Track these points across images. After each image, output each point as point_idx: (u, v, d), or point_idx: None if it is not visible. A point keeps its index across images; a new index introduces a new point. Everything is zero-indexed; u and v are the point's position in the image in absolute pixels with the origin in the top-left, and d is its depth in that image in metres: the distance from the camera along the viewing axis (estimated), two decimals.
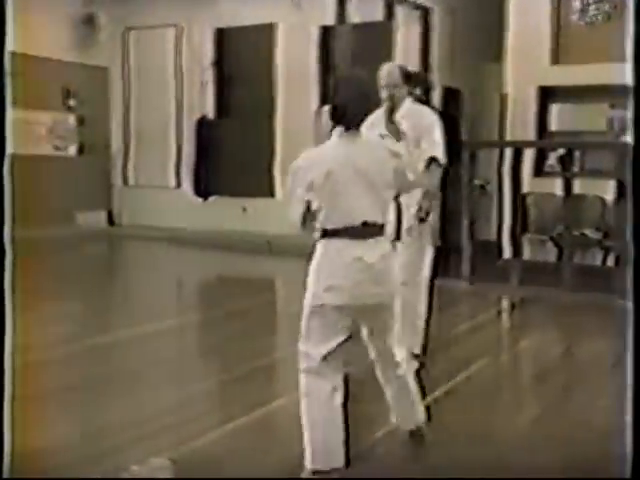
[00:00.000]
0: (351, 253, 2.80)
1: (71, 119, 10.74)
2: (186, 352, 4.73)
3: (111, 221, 11.19)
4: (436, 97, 8.08)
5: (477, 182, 7.67)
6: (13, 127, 9.45)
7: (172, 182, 10.81)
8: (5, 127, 2.36)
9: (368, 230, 2.82)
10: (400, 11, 8.65)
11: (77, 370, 4.29)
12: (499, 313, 6.26)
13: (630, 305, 2.27)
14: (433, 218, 4.37)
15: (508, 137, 7.75)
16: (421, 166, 4.24)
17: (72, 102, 10.65)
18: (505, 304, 6.47)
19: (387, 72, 4.36)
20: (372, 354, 3.02)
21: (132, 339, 5.02)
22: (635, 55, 2.31)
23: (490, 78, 8.20)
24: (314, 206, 2.87)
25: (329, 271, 2.82)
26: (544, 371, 4.57)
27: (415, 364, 3.65)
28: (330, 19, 8.85)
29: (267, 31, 9.86)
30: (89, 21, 10.54)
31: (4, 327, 2.31)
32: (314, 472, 2.81)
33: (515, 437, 3.34)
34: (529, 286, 6.73)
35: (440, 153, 4.26)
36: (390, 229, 2.96)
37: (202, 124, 10.52)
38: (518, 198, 7.71)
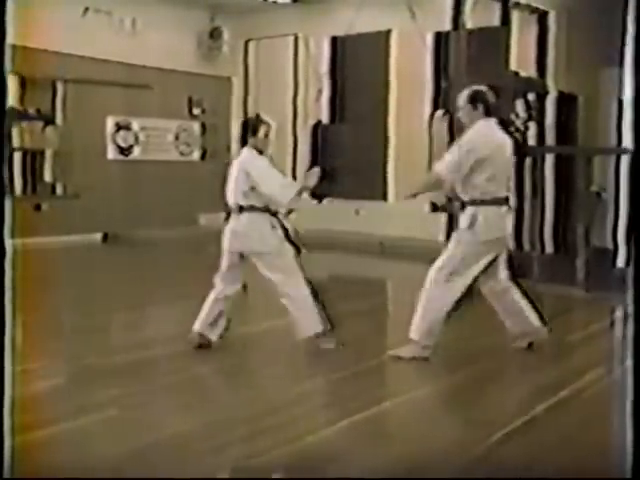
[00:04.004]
0: (229, 221, 4.83)
1: (195, 127, 11.34)
2: (299, 350, 4.92)
3: None
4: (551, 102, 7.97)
5: (593, 189, 7.53)
6: (144, 134, 10.07)
7: None
8: (4, 125, 2.57)
9: (234, 208, 4.77)
10: (516, 16, 8.56)
11: (197, 365, 4.59)
12: (612, 324, 6.14)
13: None
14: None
15: (625, 144, 7.56)
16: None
17: (196, 111, 11.25)
18: (619, 314, 6.33)
19: (460, 95, 4.65)
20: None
21: (248, 336, 5.28)
22: (635, 56, 2.30)
23: (608, 83, 8.01)
24: None
25: None
26: None
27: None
28: (445, 25, 8.86)
29: (381, 38, 10.01)
30: (214, 35, 11.08)
31: (4, 326, 2.35)
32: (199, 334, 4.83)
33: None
34: None
35: (438, 164, 4.63)
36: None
37: (317, 129, 10.76)
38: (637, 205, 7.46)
